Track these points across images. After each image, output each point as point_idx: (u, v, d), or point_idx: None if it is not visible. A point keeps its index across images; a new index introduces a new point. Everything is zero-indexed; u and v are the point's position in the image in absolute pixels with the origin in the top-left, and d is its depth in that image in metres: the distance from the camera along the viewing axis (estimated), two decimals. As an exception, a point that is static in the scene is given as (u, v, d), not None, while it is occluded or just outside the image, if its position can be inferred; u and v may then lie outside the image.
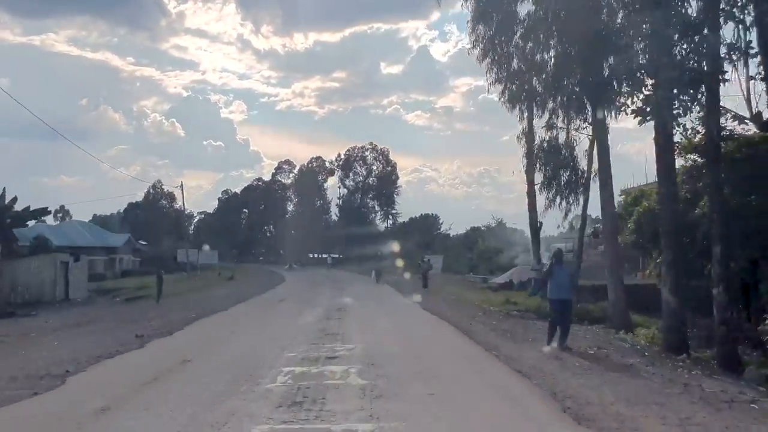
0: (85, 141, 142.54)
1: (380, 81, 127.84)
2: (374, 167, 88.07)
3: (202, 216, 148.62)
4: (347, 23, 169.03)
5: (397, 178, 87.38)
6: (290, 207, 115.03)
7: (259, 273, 59.60)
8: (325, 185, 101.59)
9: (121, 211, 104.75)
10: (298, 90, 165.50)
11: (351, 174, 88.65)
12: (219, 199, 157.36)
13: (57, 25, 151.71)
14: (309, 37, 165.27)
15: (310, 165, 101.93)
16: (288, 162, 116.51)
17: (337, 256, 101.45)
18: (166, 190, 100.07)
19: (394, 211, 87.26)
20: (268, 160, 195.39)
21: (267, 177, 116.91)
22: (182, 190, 46.22)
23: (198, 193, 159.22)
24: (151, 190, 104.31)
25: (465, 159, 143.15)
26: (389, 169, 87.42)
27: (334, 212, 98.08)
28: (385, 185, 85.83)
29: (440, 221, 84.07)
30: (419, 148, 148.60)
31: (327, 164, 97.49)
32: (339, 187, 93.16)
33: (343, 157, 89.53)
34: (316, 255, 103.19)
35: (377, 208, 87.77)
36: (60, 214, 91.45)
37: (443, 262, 53.98)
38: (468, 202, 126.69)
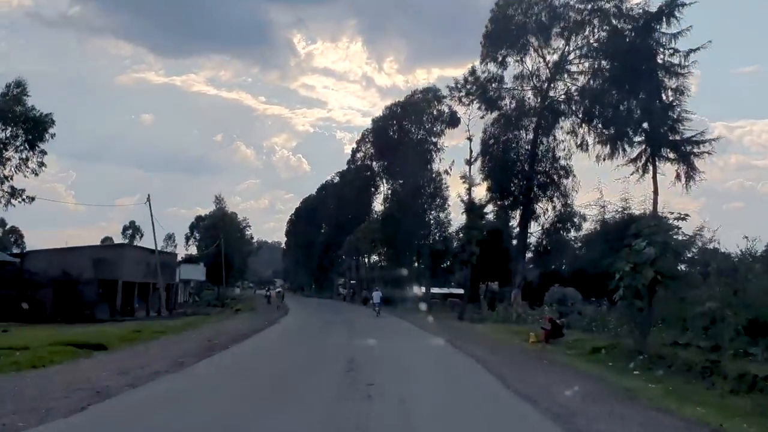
0: (219, 175, 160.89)
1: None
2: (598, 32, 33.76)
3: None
4: (470, 56, 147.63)
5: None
6: (377, 201, 65.23)
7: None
8: (441, 142, 50.11)
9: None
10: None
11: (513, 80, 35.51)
12: (297, 208, 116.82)
13: (196, 65, 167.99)
14: (432, 72, 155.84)
15: (411, 99, 50.96)
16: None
17: (457, 294, 51.74)
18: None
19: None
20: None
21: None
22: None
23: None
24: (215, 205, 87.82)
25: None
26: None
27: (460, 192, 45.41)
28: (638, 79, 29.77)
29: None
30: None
31: (446, 95, 45.28)
32: (469, 139, 40.40)
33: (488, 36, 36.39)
34: (419, 289, 53.10)
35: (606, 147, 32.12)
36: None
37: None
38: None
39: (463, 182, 40.85)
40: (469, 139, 41.63)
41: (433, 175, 49.17)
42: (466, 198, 40.71)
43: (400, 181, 51.55)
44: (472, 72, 40.57)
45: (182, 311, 50.79)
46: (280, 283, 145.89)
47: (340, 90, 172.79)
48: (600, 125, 32.43)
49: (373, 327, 27.30)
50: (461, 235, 49.72)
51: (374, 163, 61.27)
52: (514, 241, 52.41)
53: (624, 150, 31.13)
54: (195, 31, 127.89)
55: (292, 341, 19.95)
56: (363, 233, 60.97)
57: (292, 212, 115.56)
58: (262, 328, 25.44)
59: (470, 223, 39.70)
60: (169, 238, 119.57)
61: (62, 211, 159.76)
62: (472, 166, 40.33)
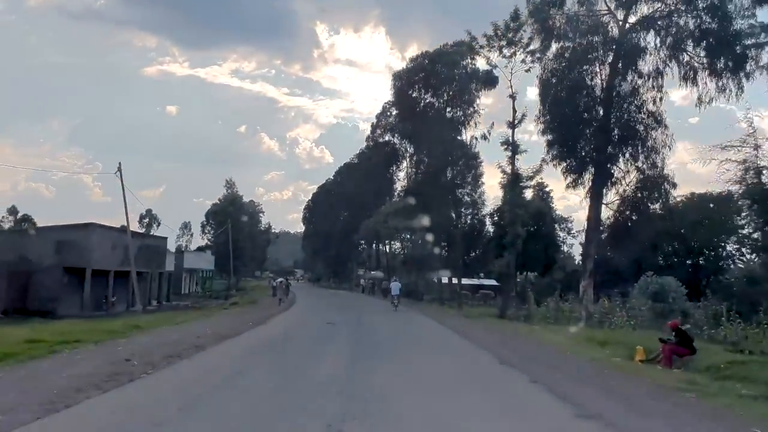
0: (242, 166, 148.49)
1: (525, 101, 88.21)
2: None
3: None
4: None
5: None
6: (400, 180, 58.23)
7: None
8: (477, 104, 42.40)
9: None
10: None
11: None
12: (313, 194, 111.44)
13: (219, 56, 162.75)
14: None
15: (442, 50, 43.20)
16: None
17: (489, 285, 45.90)
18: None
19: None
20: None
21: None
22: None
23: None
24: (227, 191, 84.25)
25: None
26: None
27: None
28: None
29: None
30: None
31: (483, 44, 37.20)
32: (512, 97, 33.09)
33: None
34: (446, 280, 46.28)
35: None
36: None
37: None
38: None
39: (505, 149, 33.09)
40: (512, 97, 33.96)
41: (468, 144, 41.47)
42: (508, 168, 32.96)
43: (425, 152, 43.89)
44: (515, 16, 32.90)
45: (175, 304, 44.26)
46: (300, 273, 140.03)
47: (363, 80, 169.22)
48: (714, 43, 23.80)
49: (391, 334, 19.94)
50: (496, 217, 42.41)
51: (395, 137, 53.77)
52: (556, 225, 44.91)
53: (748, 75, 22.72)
54: (218, 23, 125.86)
55: (258, 363, 12.54)
56: (383, 216, 53.60)
57: (309, 198, 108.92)
58: (240, 333, 18.28)
59: (515, 200, 32.02)
60: (185, 226, 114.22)
61: (86, 201, 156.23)
62: (515, 129, 32.66)
